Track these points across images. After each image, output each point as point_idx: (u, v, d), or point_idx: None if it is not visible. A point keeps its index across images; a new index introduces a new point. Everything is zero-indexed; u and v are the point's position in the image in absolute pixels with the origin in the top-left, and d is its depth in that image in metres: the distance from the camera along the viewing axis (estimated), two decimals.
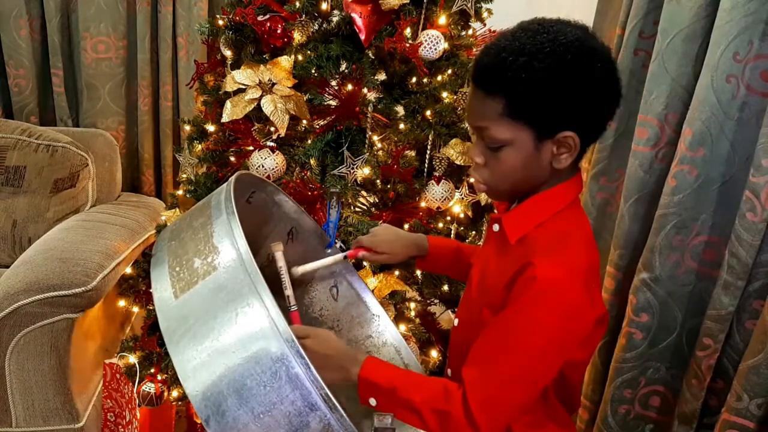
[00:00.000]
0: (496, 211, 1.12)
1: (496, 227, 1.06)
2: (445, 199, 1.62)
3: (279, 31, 1.58)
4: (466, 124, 1.63)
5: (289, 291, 1.17)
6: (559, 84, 0.88)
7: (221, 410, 0.84)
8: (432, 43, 1.54)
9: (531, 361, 0.93)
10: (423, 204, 1.64)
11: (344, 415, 0.83)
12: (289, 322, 1.04)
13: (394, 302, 1.66)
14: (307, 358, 0.82)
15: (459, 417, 0.93)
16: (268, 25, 1.57)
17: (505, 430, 0.99)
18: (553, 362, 0.95)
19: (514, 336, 0.93)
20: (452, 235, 1.70)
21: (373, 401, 0.99)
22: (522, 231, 0.99)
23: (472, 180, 1.67)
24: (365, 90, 1.57)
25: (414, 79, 1.63)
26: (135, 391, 1.73)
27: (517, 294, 0.93)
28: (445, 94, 1.61)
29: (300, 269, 1.26)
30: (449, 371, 1.18)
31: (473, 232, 1.79)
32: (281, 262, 1.18)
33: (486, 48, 0.95)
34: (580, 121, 0.93)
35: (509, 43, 0.90)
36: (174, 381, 1.77)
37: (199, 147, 1.78)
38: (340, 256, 1.32)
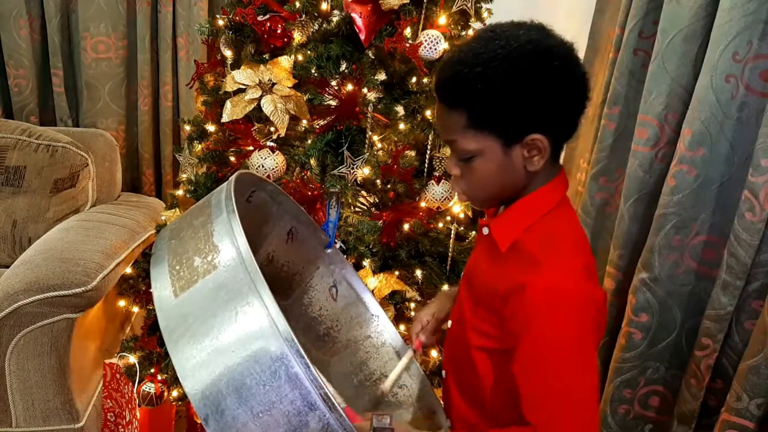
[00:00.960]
0: (485, 215, 1.11)
1: (485, 230, 1.06)
2: (445, 199, 1.62)
3: (279, 31, 1.58)
4: None
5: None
6: (517, 89, 0.88)
7: (220, 409, 0.83)
8: (432, 43, 1.54)
9: (578, 375, 0.92)
10: (423, 204, 1.64)
11: (343, 414, 0.83)
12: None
13: (394, 302, 1.66)
14: (306, 357, 0.82)
15: None
16: (268, 25, 1.57)
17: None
18: (593, 360, 0.95)
19: (551, 362, 0.91)
20: (452, 235, 1.70)
21: None
22: (511, 238, 0.98)
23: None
24: (365, 90, 1.57)
25: (414, 79, 1.63)
26: (135, 391, 1.73)
27: (527, 319, 0.91)
28: None
29: (387, 384, 1.23)
30: (444, 373, 1.18)
31: (473, 232, 1.79)
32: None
33: (444, 62, 0.95)
34: (545, 122, 0.92)
35: (464, 55, 0.90)
36: (174, 381, 1.77)
37: (199, 147, 1.78)
38: (410, 353, 1.26)
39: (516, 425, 0.95)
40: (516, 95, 0.88)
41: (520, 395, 0.94)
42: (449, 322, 1.17)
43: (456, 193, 1.04)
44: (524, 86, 0.88)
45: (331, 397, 0.82)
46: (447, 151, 1.60)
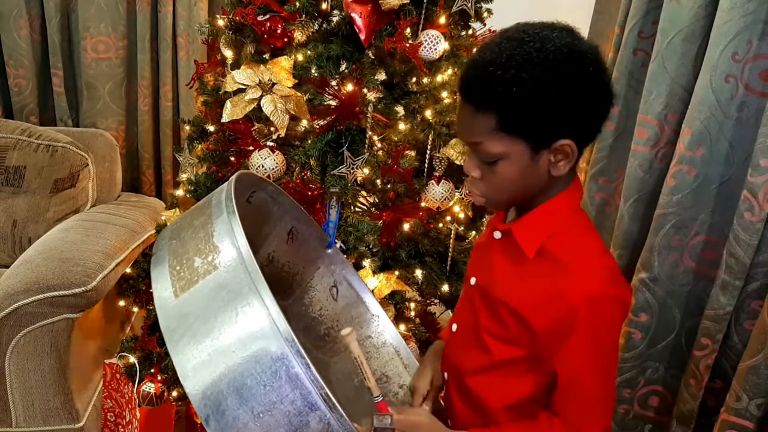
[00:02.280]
0: (497, 217, 1.10)
1: (497, 234, 1.04)
2: (445, 199, 1.62)
3: (279, 31, 1.58)
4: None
5: (371, 382, 1.03)
6: (552, 94, 0.86)
7: (221, 409, 0.84)
8: (432, 43, 1.54)
9: (609, 377, 0.99)
10: (423, 204, 1.64)
11: (344, 414, 0.83)
12: (373, 409, 1.01)
13: (394, 302, 1.66)
14: (307, 357, 0.82)
15: None
16: (268, 25, 1.57)
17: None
18: (617, 359, 1.04)
19: (592, 364, 0.96)
20: (452, 235, 1.70)
21: None
22: (537, 243, 0.97)
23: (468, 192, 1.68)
24: (365, 90, 1.57)
25: (414, 79, 1.63)
26: (135, 391, 1.73)
27: (573, 324, 0.93)
28: (445, 94, 1.61)
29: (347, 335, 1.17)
30: (445, 375, 1.18)
31: (473, 232, 1.79)
32: (357, 351, 1.04)
33: (472, 61, 0.92)
34: (576, 128, 0.91)
35: (496, 56, 0.87)
36: (174, 381, 1.77)
37: (199, 147, 1.79)
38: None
39: (544, 413, 1.02)
40: (550, 100, 0.86)
41: (556, 389, 0.99)
42: (454, 326, 1.16)
43: (472, 195, 1.02)
44: (559, 91, 0.86)
45: (332, 398, 0.83)
46: (447, 151, 1.60)
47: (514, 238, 0.99)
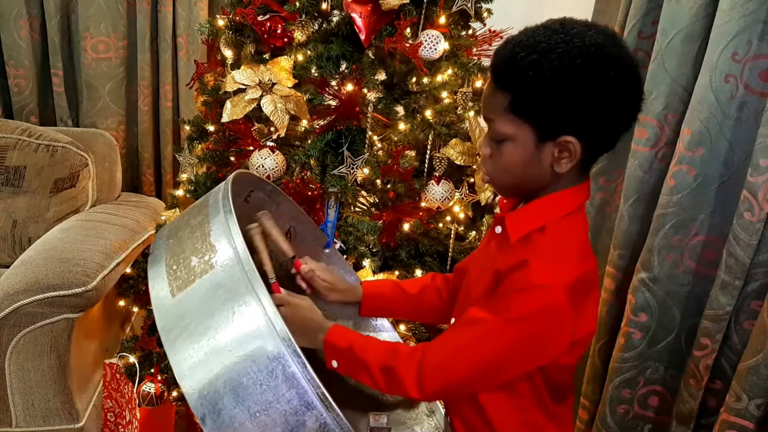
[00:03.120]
0: (498, 211, 1.11)
1: (498, 229, 1.05)
2: (445, 199, 1.62)
3: (279, 31, 1.58)
4: (466, 124, 1.63)
5: (268, 266, 1.13)
6: (565, 86, 0.87)
7: (217, 409, 0.84)
8: (432, 43, 1.54)
9: (496, 345, 0.95)
10: (423, 204, 1.64)
11: (340, 414, 0.83)
12: (271, 292, 1.06)
13: None
14: (303, 356, 0.83)
15: (404, 374, 0.97)
16: (268, 25, 1.57)
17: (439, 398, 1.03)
18: (521, 360, 0.96)
19: (490, 316, 0.94)
20: (452, 235, 1.70)
21: (335, 363, 1.04)
22: (524, 230, 0.98)
23: (472, 180, 1.68)
24: (365, 90, 1.58)
25: (414, 79, 1.63)
26: (135, 391, 1.74)
27: (507, 287, 0.94)
28: (445, 94, 1.61)
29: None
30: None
31: (473, 232, 1.79)
32: (264, 231, 1.14)
33: (506, 40, 0.94)
34: (584, 128, 0.91)
35: (526, 39, 0.89)
36: (174, 381, 1.77)
37: (199, 147, 1.79)
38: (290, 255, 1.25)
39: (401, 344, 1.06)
40: (562, 92, 0.87)
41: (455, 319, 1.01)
42: (453, 320, 1.17)
43: (481, 173, 1.03)
44: (573, 86, 0.87)
45: (328, 397, 0.83)
46: (447, 151, 1.60)
47: (505, 227, 1.01)
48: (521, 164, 0.95)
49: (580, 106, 0.88)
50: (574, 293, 0.92)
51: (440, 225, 1.72)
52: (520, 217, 1.00)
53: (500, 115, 0.93)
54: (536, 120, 0.91)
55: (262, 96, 1.55)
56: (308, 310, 1.10)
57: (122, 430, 1.76)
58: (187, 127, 1.85)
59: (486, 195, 1.66)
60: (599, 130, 0.93)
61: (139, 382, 1.77)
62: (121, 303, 1.96)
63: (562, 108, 0.89)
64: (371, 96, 1.60)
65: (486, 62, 1.66)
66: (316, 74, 1.59)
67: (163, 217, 1.89)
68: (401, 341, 1.43)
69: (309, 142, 1.63)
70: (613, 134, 0.95)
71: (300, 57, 1.58)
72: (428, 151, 1.63)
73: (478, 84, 1.64)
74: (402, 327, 1.65)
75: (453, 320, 1.16)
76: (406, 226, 1.64)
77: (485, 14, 1.70)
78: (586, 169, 0.99)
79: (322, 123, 1.61)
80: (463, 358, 0.96)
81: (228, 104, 1.58)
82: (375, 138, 1.63)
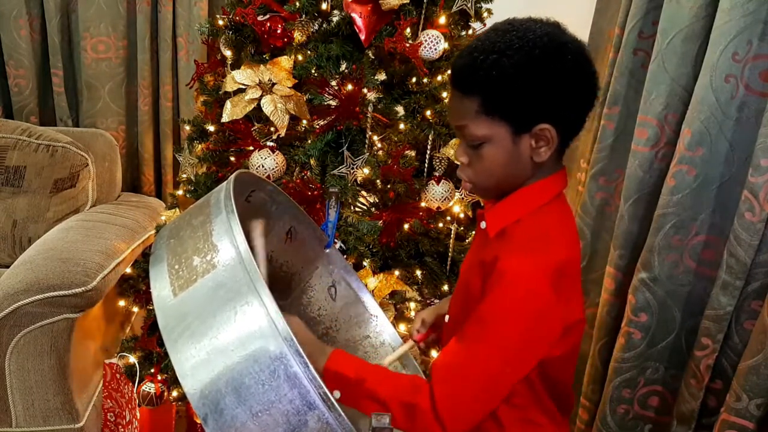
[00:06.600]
0: (484, 207, 1.12)
1: (483, 225, 1.07)
2: (445, 199, 1.62)
3: (279, 31, 1.58)
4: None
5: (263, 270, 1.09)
6: (529, 78, 0.91)
7: (219, 408, 0.83)
8: (432, 43, 1.54)
9: (495, 355, 0.95)
10: (423, 204, 1.64)
11: (342, 414, 0.83)
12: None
13: (394, 302, 1.66)
14: (305, 356, 0.82)
15: (426, 410, 0.94)
16: (268, 25, 1.57)
17: (472, 427, 1.00)
18: (519, 358, 0.96)
19: (483, 331, 0.95)
20: (452, 235, 1.70)
21: (337, 394, 0.98)
22: (501, 225, 1.01)
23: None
24: (365, 90, 1.58)
25: (414, 79, 1.63)
26: (135, 391, 1.74)
27: (488, 290, 0.95)
28: (445, 94, 1.61)
29: (387, 360, 1.26)
30: (446, 317, 1.21)
31: (473, 232, 1.79)
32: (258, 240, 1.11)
33: (461, 51, 0.98)
34: (555, 114, 0.94)
35: (481, 43, 0.94)
36: (174, 381, 1.77)
37: (199, 147, 1.78)
38: (411, 342, 1.28)
39: (416, 376, 1.04)
40: (528, 84, 0.91)
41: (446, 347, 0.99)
42: (447, 317, 1.18)
43: (462, 182, 1.04)
44: (537, 76, 0.91)
45: (331, 397, 0.83)
46: (447, 151, 1.60)
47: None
48: (502, 163, 0.98)
49: (547, 93, 0.92)
50: (558, 279, 0.93)
51: (440, 225, 1.72)
52: (499, 211, 1.02)
53: (472, 119, 0.96)
54: (509, 115, 0.94)
55: (262, 96, 1.55)
56: (304, 333, 1.04)
57: (122, 430, 1.75)
58: (187, 127, 1.85)
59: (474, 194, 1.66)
60: (568, 112, 0.97)
61: (139, 382, 1.77)
62: (121, 303, 1.96)
63: (530, 98, 0.92)
64: (371, 96, 1.61)
65: None
66: (316, 74, 1.59)
67: (163, 217, 1.88)
68: (401, 341, 1.43)
69: (309, 142, 1.63)
70: (581, 113, 0.98)
71: (300, 57, 1.58)
72: (428, 151, 1.63)
73: None
74: (402, 327, 1.65)
75: (447, 317, 1.18)
76: (406, 226, 1.64)
77: (485, 14, 1.70)
78: (560, 157, 1.02)
79: (322, 123, 1.61)
80: (471, 380, 0.95)
81: (228, 104, 1.58)
82: (375, 138, 1.63)
